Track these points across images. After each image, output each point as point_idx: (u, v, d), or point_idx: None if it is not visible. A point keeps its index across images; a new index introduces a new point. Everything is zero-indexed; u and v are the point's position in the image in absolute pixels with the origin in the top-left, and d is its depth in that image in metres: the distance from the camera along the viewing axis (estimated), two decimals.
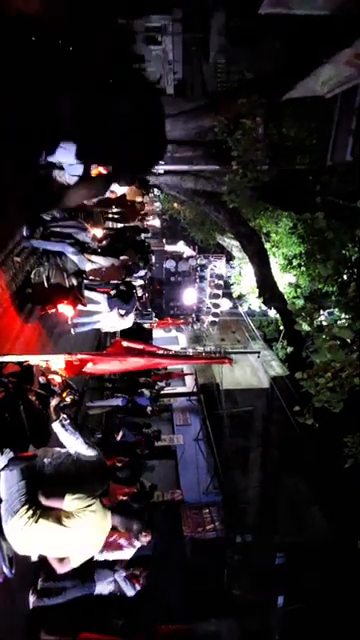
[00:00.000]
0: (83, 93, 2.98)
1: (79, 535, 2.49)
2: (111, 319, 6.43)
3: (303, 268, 9.79)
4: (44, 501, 2.42)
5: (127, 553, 4.89)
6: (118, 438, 6.68)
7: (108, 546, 4.35)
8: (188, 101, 8.64)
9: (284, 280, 11.05)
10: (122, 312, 6.37)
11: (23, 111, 2.83)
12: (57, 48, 3.36)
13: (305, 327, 6.74)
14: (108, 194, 6.76)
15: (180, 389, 13.02)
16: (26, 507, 2.35)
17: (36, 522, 2.35)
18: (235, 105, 6.66)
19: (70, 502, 2.42)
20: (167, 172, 8.35)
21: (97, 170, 3.56)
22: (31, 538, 2.36)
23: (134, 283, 7.28)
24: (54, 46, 3.33)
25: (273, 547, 9.98)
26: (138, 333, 10.11)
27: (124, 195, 8.23)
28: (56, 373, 3.03)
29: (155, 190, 12.67)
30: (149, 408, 8.42)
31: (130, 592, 4.86)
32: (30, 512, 2.34)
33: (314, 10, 4.30)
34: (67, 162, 3.22)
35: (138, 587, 4.85)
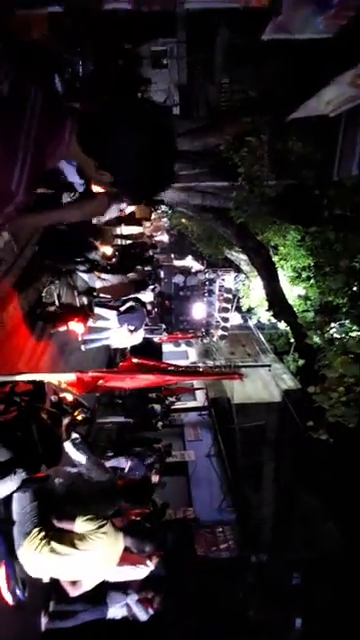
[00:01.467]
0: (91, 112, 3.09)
1: (91, 557, 2.46)
2: (121, 335, 6.47)
3: (312, 281, 9.76)
4: (56, 523, 2.40)
5: (139, 574, 4.80)
6: (125, 469, 6.51)
7: (120, 566, 4.28)
8: (194, 120, 8.83)
9: (293, 293, 11.01)
10: (132, 328, 6.41)
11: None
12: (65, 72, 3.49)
13: (316, 340, 6.69)
14: (117, 212, 6.88)
15: (191, 404, 12.92)
16: (38, 529, 2.33)
17: (48, 544, 2.33)
18: (240, 123, 6.78)
19: (81, 524, 2.40)
20: (175, 189, 8.49)
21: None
22: (43, 560, 2.34)
23: (143, 299, 7.34)
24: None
25: (289, 566, 9.69)
26: (148, 348, 10.12)
27: (133, 213, 8.37)
28: (68, 391, 3.04)
29: (163, 206, 12.85)
30: (160, 423, 8.36)
31: (143, 616, 4.75)
32: (42, 534, 2.33)
33: (316, 34, 4.41)
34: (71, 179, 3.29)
35: (151, 611, 4.74)
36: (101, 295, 5.41)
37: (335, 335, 6.94)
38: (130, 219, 7.89)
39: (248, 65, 7.49)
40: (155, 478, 5.81)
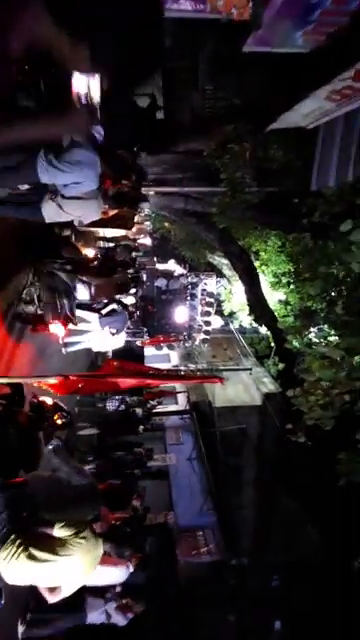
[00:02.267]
0: None
1: (70, 563, 2.43)
2: (102, 338, 6.44)
3: (292, 286, 9.96)
4: (34, 529, 2.37)
5: (118, 577, 4.77)
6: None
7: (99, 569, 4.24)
8: (178, 126, 8.90)
9: (274, 298, 11.20)
10: (113, 331, 6.38)
11: None
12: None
13: (295, 344, 6.82)
14: (99, 215, 6.86)
15: (172, 407, 12.92)
16: (15, 535, 2.29)
17: (26, 551, 2.29)
18: (223, 130, 6.89)
19: (60, 530, 2.37)
20: (158, 193, 8.53)
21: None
22: (21, 567, 2.30)
23: (125, 301, 7.33)
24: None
25: (268, 569, 9.78)
26: (129, 351, 10.08)
27: (116, 214, 8.34)
28: (47, 394, 3.01)
29: (146, 209, 12.87)
30: (141, 427, 8.33)
31: (122, 622, 4.72)
32: (19, 540, 2.29)
33: (295, 48, 4.54)
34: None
35: (130, 616, 4.71)
36: (82, 297, 5.36)
37: (314, 339, 7.10)
38: (113, 221, 7.86)
39: (231, 74, 7.63)
40: (136, 502, 5.79)
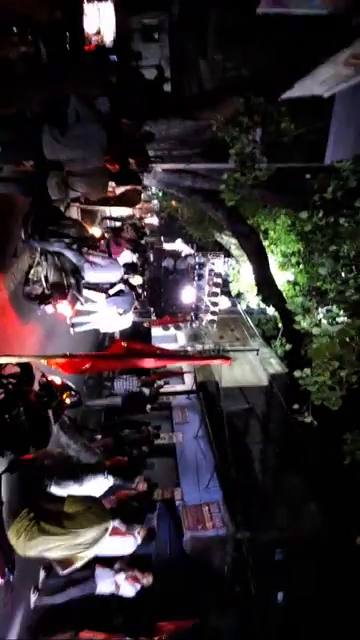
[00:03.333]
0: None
1: (80, 537, 2.50)
2: (110, 318, 6.44)
3: (302, 266, 9.79)
4: (45, 504, 2.42)
5: (127, 548, 4.92)
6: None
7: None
8: (185, 99, 8.60)
9: (282, 278, 11.05)
10: (120, 311, 6.37)
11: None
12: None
13: (304, 325, 6.76)
14: (106, 192, 6.74)
15: (179, 387, 13.04)
16: (27, 510, 2.35)
17: (37, 525, 2.35)
18: (232, 103, 6.63)
19: (70, 505, 2.42)
20: (165, 170, 8.32)
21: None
22: (33, 541, 2.37)
23: (132, 282, 7.28)
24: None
25: (273, 543, 10.04)
26: (137, 332, 10.10)
27: (123, 193, 8.20)
28: (56, 373, 3.03)
29: (152, 188, 12.64)
30: (148, 406, 8.43)
31: (131, 592, 4.89)
32: (31, 515, 2.35)
33: (312, 10, 4.28)
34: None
35: (138, 587, 4.88)
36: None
37: (323, 321, 7.02)
38: (120, 200, 7.74)
39: (242, 43, 7.28)
40: (142, 486, 5.87)
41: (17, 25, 2.98)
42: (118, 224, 10.11)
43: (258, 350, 13.84)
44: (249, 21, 4.74)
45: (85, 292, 5.06)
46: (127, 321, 6.76)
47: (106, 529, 2.66)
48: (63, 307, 4.53)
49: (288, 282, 11.07)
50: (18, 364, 2.84)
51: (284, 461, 11.38)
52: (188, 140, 7.62)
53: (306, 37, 4.91)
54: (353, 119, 5.66)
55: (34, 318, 4.70)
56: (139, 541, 5.01)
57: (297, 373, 5.06)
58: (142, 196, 10.18)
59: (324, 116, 6.39)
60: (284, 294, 9.57)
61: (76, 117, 3.10)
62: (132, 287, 6.98)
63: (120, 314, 6.39)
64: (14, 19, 3.01)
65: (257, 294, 9.26)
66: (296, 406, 5.36)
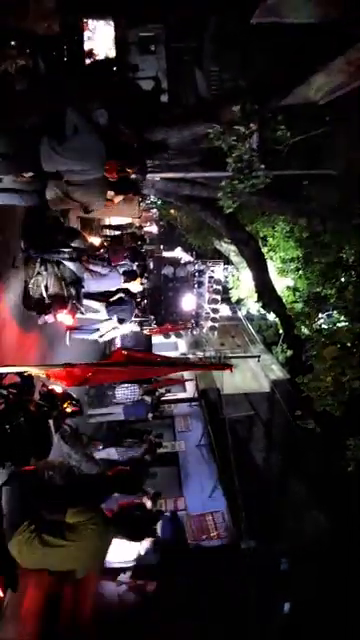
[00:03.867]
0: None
1: (82, 548, 2.47)
2: (110, 327, 6.44)
3: (301, 272, 9.82)
4: (46, 515, 2.40)
5: (129, 556, 4.86)
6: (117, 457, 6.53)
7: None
8: (182, 109, 8.70)
9: (282, 284, 11.08)
10: (121, 319, 6.38)
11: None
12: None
13: (304, 330, 6.76)
14: (105, 202, 6.79)
15: (181, 395, 12.99)
16: (28, 522, 2.33)
17: (38, 536, 2.32)
18: (229, 112, 6.70)
19: (72, 516, 2.40)
20: (163, 179, 8.38)
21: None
22: (34, 552, 2.34)
23: (132, 290, 7.29)
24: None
25: (277, 553, 9.90)
26: (138, 340, 10.09)
27: (122, 202, 8.25)
28: (56, 383, 3.02)
29: (151, 197, 12.73)
30: (150, 414, 8.38)
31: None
32: (32, 527, 2.32)
33: (306, 19, 4.35)
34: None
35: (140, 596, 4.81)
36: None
37: (323, 326, 7.02)
38: (118, 209, 7.78)
39: (237, 53, 7.39)
40: (148, 503, 5.77)
41: (15, 38, 3.04)
42: (117, 233, 10.17)
43: (259, 356, 13.81)
44: (244, 31, 4.82)
45: (85, 301, 5.08)
46: (127, 329, 6.76)
47: (108, 540, 2.63)
48: (63, 316, 4.53)
49: (288, 288, 11.10)
50: (18, 374, 2.84)
51: (288, 468, 11.28)
52: (186, 149, 7.69)
53: (301, 45, 4.99)
54: (347, 128, 5.72)
55: (35, 328, 4.70)
56: (142, 552, 4.96)
57: (299, 379, 5.04)
58: (141, 205, 10.26)
59: (321, 122, 6.46)
60: (284, 300, 9.59)
61: (74, 129, 3.13)
62: (132, 295, 6.99)
63: (121, 322, 6.40)
64: (12, 32, 3.07)
65: (257, 300, 9.28)
66: (298, 412, 5.33)
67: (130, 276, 6.82)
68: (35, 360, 4.61)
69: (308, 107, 6.09)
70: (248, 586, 8.55)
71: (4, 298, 4.03)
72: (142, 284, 8.96)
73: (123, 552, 4.73)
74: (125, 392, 7.55)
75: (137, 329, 8.25)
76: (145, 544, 4.84)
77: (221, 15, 8.11)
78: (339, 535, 8.94)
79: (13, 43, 3.07)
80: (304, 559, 9.47)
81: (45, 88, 3.10)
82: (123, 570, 5.16)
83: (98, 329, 6.54)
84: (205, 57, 11.52)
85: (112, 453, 7.04)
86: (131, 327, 7.71)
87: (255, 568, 8.94)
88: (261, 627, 7.88)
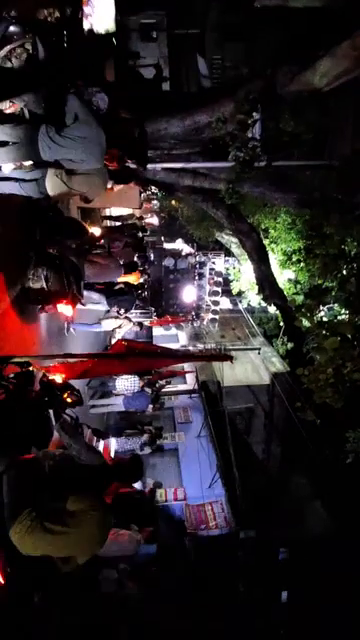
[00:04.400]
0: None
1: (83, 534, 2.50)
2: (113, 325, 6.44)
3: (302, 264, 9.77)
4: (46, 503, 2.41)
5: (130, 548, 4.91)
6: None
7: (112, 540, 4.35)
8: (184, 97, 8.58)
9: (283, 276, 11.03)
10: (122, 311, 6.37)
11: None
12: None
13: (305, 323, 6.73)
14: (105, 191, 6.73)
15: (181, 387, 13.03)
16: (29, 510, 2.34)
17: (40, 524, 2.34)
18: (231, 100, 6.61)
19: (73, 503, 2.42)
20: (164, 169, 8.30)
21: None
22: (35, 539, 2.36)
23: (133, 280, 7.28)
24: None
25: (276, 542, 10.01)
26: (138, 332, 10.09)
27: (122, 191, 8.19)
28: (57, 374, 3.02)
29: (153, 188, 12.63)
30: (150, 406, 8.42)
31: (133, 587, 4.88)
32: (33, 514, 2.34)
33: (310, 2, 4.25)
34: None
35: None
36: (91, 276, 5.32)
37: (324, 318, 7.00)
38: (119, 198, 7.73)
39: (240, 40, 7.26)
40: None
41: (15, 23, 2.97)
42: (118, 224, 10.10)
43: (260, 349, 13.82)
44: (247, 17, 4.72)
45: (86, 292, 5.06)
46: (130, 327, 6.76)
47: (108, 526, 2.66)
48: (64, 308, 4.52)
49: (289, 280, 11.06)
50: (19, 364, 2.83)
51: (287, 459, 11.36)
52: (187, 139, 7.60)
53: (305, 30, 4.89)
54: (351, 114, 5.63)
55: (35, 319, 4.69)
56: (142, 541, 5.00)
57: (299, 371, 5.04)
58: (142, 195, 10.18)
59: (325, 112, 6.36)
60: (285, 292, 9.55)
61: (74, 117, 3.08)
62: (133, 286, 6.98)
63: (121, 313, 6.39)
64: (12, 17, 3.00)
65: (258, 293, 9.24)
66: (298, 404, 5.34)
67: (130, 268, 6.80)
68: (36, 351, 4.61)
69: (312, 94, 5.99)
70: (246, 575, 8.66)
71: (4, 288, 4.02)
72: (143, 276, 8.94)
73: (122, 545, 4.78)
74: (125, 383, 7.58)
75: (137, 329, 8.26)
76: (144, 535, 4.88)
77: (223, 2, 7.96)
78: (338, 526, 9.03)
79: (13, 28, 3.00)
80: (303, 549, 9.59)
81: (44, 73, 3.04)
82: (121, 559, 5.21)
83: (99, 324, 6.54)
84: (207, 45, 11.33)
85: (112, 443, 7.09)
86: (133, 326, 7.72)
87: (253, 558, 9.05)
88: (259, 615, 8.00)
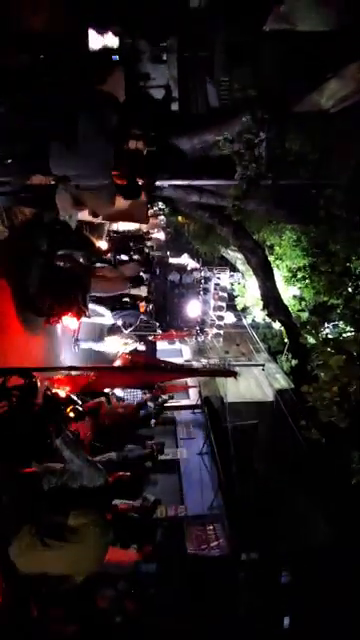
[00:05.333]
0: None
1: (83, 550, 2.46)
2: (118, 344, 6.46)
3: (307, 281, 9.79)
4: (47, 518, 2.38)
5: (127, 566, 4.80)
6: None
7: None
8: (192, 117, 8.78)
9: (288, 293, 11.03)
10: (126, 324, 6.39)
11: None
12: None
13: (310, 340, 6.71)
14: (113, 206, 6.83)
15: (184, 402, 12.92)
16: (28, 526, 2.31)
17: (39, 539, 2.31)
18: (238, 120, 6.76)
19: (74, 518, 2.39)
20: (172, 186, 8.44)
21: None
22: (35, 556, 2.32)
23: (138, 295, 7.31)
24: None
25: (278, 565, 9.74)
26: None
27: (129, 208, 8.31)
28: (61, 386, 3.01)
29: (159, 203, 12.80)
30: (152, 420, 8.34)
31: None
32: (33, 530, 2.30)
33: (317, 26, 4.38)
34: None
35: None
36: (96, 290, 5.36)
37: (329, 336, 6.97)
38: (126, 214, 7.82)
39: (248, 62, 7.46)
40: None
41: (23, 38, 3.06)
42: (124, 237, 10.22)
43: (264, 365, 13.72)
44: (255, 40, 4.86)
45: (91, 305, 5.09)
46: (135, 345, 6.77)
47: (108, 542, 2.61)
48: (69, 320, 4.54)
49: (294, 297, 11.05)
50: (22, 376, 2.83)
51: (291, 479, 11.14)
52: (195, 156, 7.75)
53: (313, 53, 5.01)
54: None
55: (40, 331, 4.71)
56: (140, 560, 4.89)
57: (304, 388, 4.99)
58: (149, 211, 10.31)
59: (330, 132, 6.48)
60: (290, 309, 9.54)
61: (84, 133, 3.15)
62: (138, 300, 7.01)
63: (125, 327, 6.41)
64: (21, 31, 3.09)
65: (263, 309, 9.25)
66: (303, 422, 5.27)
67: (136, 282, 6.85)
68: (40, 363, 4.61)
69: (319, 115, 6.12)
70: (248, 599, 8.40)
71: (10, 300, 4.05)
72: (148, 289, 8.98)
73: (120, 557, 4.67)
74: (127, 397, 7.53)
75: (142, 334, 8.25)
76: (143, 554, 4.77)
77: (232, 24, 8.20)
78: (342, 548, 8.78)
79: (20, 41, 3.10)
80: (306, 572, 9.31)
81: (54, 89, 3.12)
82: (120, 577, 5.08)
83: (104, 342, 6.55)
84: (216, 66, 11.61)
85: (112, 457, 7.00)
86: (138, 345, 7.73)
87: (255, 580, 8.80)
88: None
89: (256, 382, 13.54)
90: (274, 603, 9.04)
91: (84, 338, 6.24)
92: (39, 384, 2.89)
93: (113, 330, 6.73)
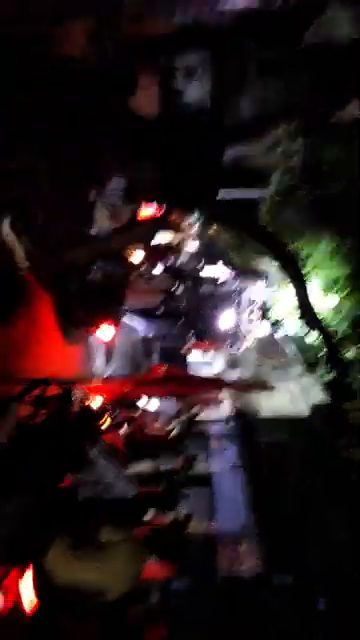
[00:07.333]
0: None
1: (115, 566, 2.43)
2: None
3: (345, 292, 9.48)
4: (80, 531, 2.38)
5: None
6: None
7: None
8: (226, 131, 8.84)
9: (325, 304, 10.72)
10: (158, 335, 6.42)
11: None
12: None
13: (350, 353, 6.45)
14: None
15: (216, 415, 12.75)
16: (63, 537, 2.32)
17: (73, 553, 2.31)
18: (273, 131, 6.73)
19: (106, 533, 2.37)
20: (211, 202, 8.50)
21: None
22: (68, 568, 2.33)
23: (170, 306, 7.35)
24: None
25: (314, 591, 9.26)
26: (174, 356, 10.09)
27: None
28: (97, 394, 3.05)
29: (195, 214, 12.90)
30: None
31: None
32: (67, 541, 2.31)
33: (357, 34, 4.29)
34: None
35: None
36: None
37: None
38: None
39: (282, 73, 7.46)
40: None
41: None
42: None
43: (299, 378, 13.31)
44: (288, 51, 4.84)
45: (125, 316, 5.17)
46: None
47: (141, 558, 2.58)
48: (104, 331, 4.62)
49: (332, 309, 10.71)
50: (59, 386, 2.89)
51: (329, 499, 10.64)
52: (229, 168, 7.77)
53: (350, 61, 4.92)
54: None
55: (77, 341, 4.81)
56: (170, 576, 4.80)
57: (347, 405, 4.78)
58: (183, 223, 10.43)
59: None
60: (327, 321, 9.26)
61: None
62: (170, 311, 7.04)
63: (158, 338, 6.44)
64: None
65: (299, 318, 9.04)
66: (343, 441, 5.03)
67: (169, 295, 6.88)
68: (76, 373, 4.70)
69: (355, 125, 5.98)
70: (280, 626, 8.02)
71: (49, 310, 4.18)
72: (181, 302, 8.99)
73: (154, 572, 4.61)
74: (162, 408, 7.52)
75: (175, 345, 8.24)
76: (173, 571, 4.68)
77: (265, 36, 8.24)
78: None
79: None
80: (343, 599, 8.79)
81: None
82: (151, 592, 5.01)
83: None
84: (249, 79, 11.68)
85: (144, 469, 6.98)
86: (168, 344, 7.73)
87: (288, 606, 8.39)
88: None
89: (290, 396, 13.14)
90: (309, 631, 8.58)
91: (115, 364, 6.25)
92: (75, 393, 2.93)
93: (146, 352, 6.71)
